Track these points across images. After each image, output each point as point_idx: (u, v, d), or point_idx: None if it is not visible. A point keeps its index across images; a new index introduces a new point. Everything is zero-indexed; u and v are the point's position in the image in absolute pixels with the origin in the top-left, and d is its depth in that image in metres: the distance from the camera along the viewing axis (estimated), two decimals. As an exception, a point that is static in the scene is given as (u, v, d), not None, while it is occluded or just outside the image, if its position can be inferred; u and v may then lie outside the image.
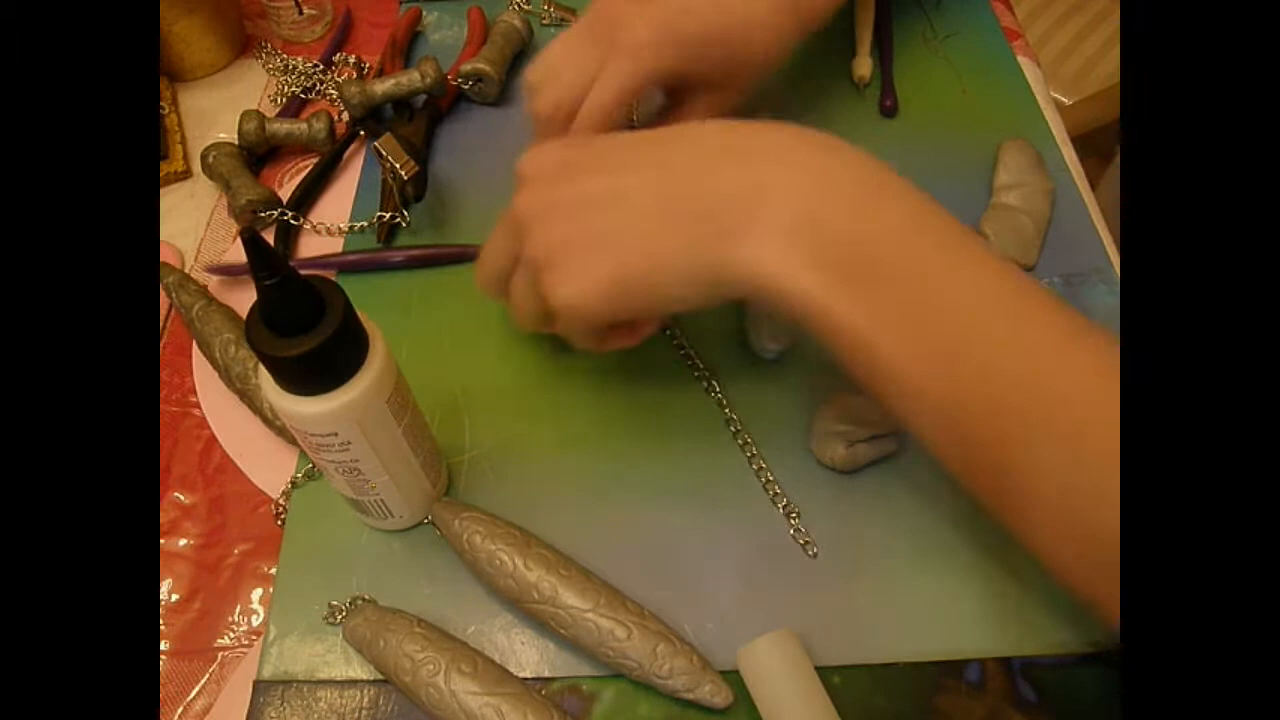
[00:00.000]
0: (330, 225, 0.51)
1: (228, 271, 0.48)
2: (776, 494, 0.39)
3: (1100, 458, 0.25)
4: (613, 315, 0.35)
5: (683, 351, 0.44)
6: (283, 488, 0.41)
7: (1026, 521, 0.29)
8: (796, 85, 0.56)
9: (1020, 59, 0.57)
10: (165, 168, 0.55)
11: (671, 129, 0.35)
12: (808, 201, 0.30)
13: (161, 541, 0.41)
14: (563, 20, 0.61)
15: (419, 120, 0.54)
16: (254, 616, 0.38)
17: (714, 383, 0.43)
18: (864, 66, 0.55)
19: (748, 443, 0.41)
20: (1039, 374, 0.28)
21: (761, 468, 0.40)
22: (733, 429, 0.41)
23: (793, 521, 0.39)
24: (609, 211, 0.33)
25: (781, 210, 0.30)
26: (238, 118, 0.53)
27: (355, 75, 0.60)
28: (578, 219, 0.33)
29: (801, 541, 0.38)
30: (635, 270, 0.32)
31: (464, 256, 0.48)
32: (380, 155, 0.47)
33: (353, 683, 0.36)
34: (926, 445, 0.31)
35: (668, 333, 0.44)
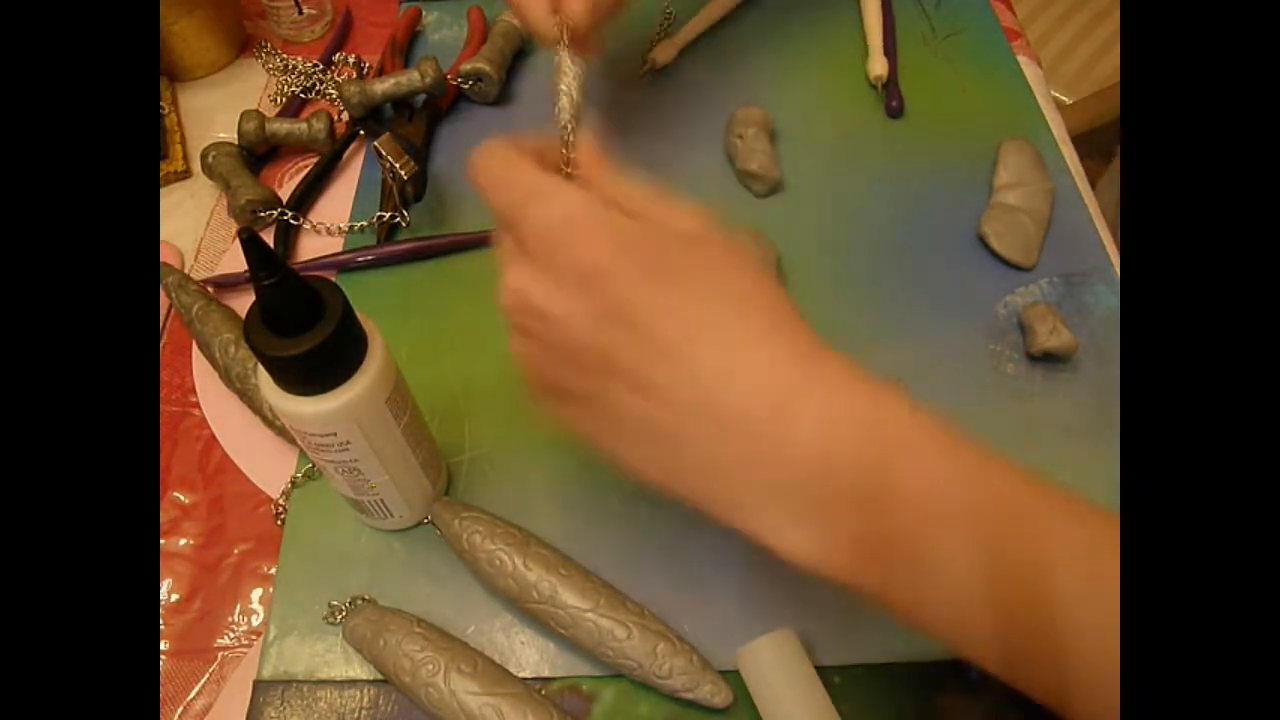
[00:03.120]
0: (330, 225, 0.51)
1: (224, 282, 0.48)
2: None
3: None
4: None
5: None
6: (283, 488, 0.41)
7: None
8: (805, 88, 0.56)
9: (1020, 59, 0.57)
10: (165, 168, 0.55)
11: (686, 315, 0.26)
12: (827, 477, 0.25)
13: (161, 541, 0.41)
14: (563, 20, 0.61)
15: (419, 120, 0.54)
16: (254, 616, 0.38)
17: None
18: (880, 65, 0.55)
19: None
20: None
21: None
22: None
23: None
24: (631, 391, 0.27)
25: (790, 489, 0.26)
26: (238, 118, 0.53)
27: (355, 75, 0.60)
28: (580, 370, 0.28)
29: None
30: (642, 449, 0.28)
31: (463, 245, 0.49)
32: (380, 155, 0.47)
33: (353, 683, 0.36)
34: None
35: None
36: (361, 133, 0.55)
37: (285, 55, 0.61)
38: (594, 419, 0.29)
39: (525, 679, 0.35)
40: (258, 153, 0.54)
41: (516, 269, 0.28)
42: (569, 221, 0.27)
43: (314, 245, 0.51)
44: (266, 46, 0.62)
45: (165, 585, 0.39)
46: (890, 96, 0.54)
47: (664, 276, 0.26)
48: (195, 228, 0.53)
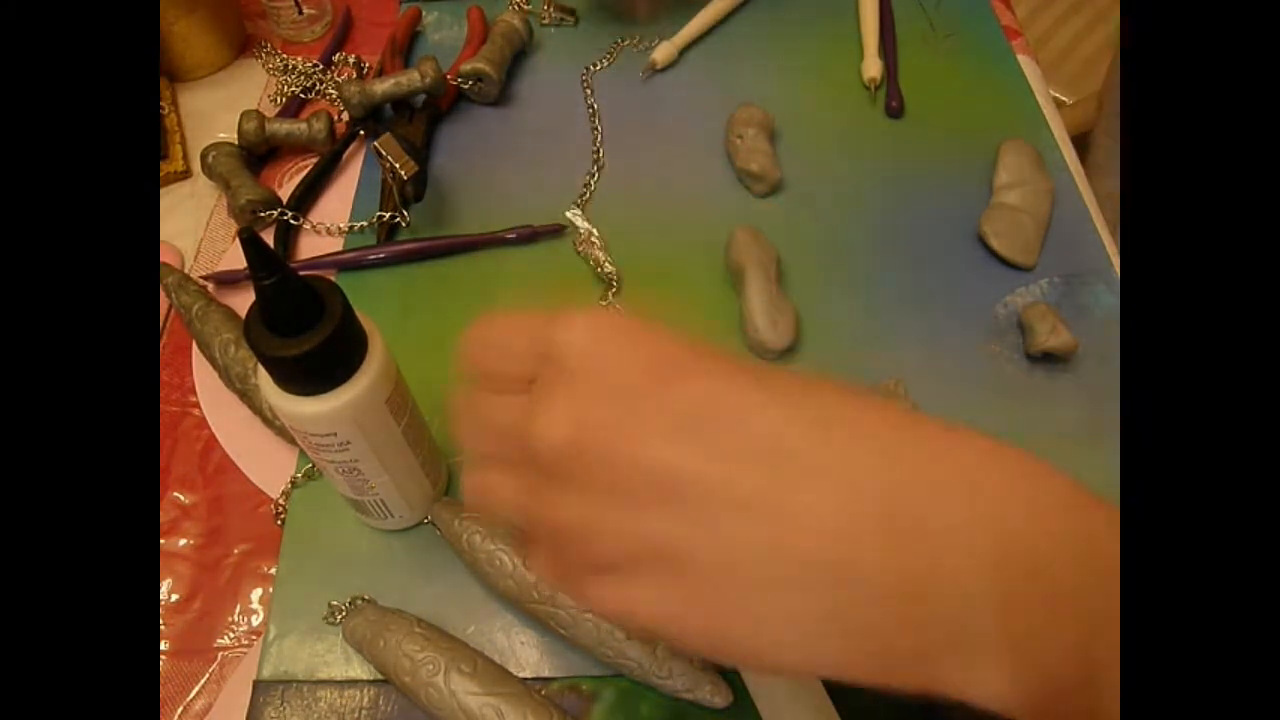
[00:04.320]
0: (330, 225, 0.51)
1: (224, 279, 0.48)
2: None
3: None
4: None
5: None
6: (283, 488, 0.41)
7: None
8: (805, 88, 0.56)
9: (1020, 59, 0.57)
10: (165, 168, 0.55)
11: (792, 388, 0.22)
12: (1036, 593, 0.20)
13: (161, 541, 0.41)
14: (562, 20, 0.61)
15: (419, 120, 0.54)
16: (254, 616, 0.38)
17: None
18: (874, 68, 0.55)
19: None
20: None
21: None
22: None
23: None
24: (695, 526, 0.21)
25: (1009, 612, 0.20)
26: (238, 118, 0.53)
27: (355, 75, 0.60)
28: (642, 509, 0.21)
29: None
30: (700, 633, 0.22)
31: (463, 245, 0.49)
32: (380, 155, 0.47)
33: (353, 683, 0.36)
34: None
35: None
36: (361, 133, 0.55)
37: (285, 55, 0.61)
38: (646, 522, 0.21)
39: (525, 679, 0.35)
40: (258, 153, 0.54)
41: (551, 408, 0.22)
42: (608, 326, 0.23)
43: (314, 245, 0.51)
44: (266, 46, 0.62)
45: (165, 585, 0.39)
46: (890, 96, 0.54)
47: (747, 374, 0.22)
48: (195, 228, 0.53)
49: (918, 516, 0.20)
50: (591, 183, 0.52)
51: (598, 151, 0.54)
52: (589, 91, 0.57)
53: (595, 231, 0.48)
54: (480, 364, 0.25)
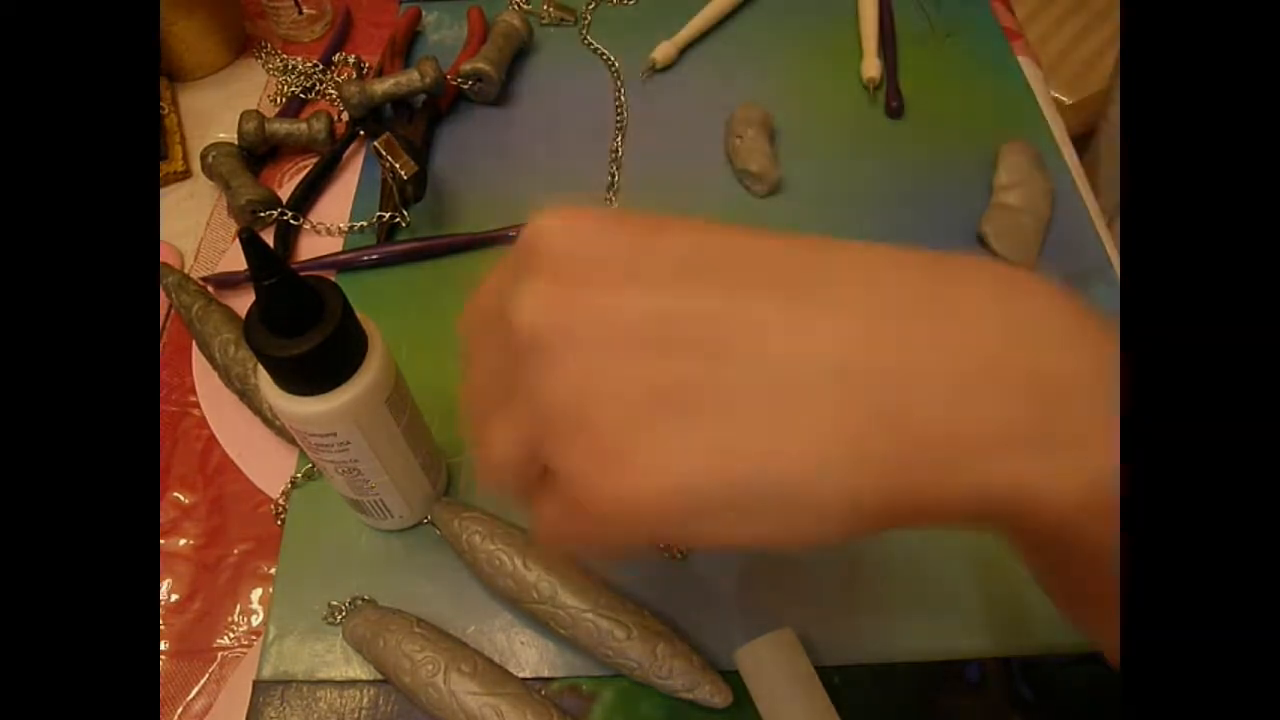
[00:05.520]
0: (330, 225, 0.51)
1: (224, 280, 0.48)
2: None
3: None
4: (667, 538, 0.24)
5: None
6: (282, 488, 0.41)
7: None
8: (805, 88, 0.56)
9: (1020, 59, 0.57)
10: (165, 168, 0.55)
11: (808, 240, 0.20)
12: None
13: (161, 541, 0.41)
14: (562, 20, 0.61)
15: (419, 120, 0.54)
16: (254, 616, 0.38)
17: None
18: (873, 68, 0.55)
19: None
20: None
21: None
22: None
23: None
24: (709, 359, 0.19)
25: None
26: (238, 118, 0.53)
27: (355, 75, 0.60)
28: (644, 355, 0.19)
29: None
30: (740, 477, 0.18)
31: (463, 245, 0.48)
32: (380, 155, 0.47)
33: (352, 683, 0.36)
34: None
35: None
36: (361, 133, 0.55)
37: (285, 55, 0.61)
38: (648, 359, 0.19)
39: (525, 679, 0.35)
40: (258, 153, 0.54)
41: (532, 287, 0.21)
42: (580, 211, 0.21)
43: (314, 245, 0.51)
44: (266, 47, 0.62)
45: (165, 585, 0.39)
46: (890, 97, 0.54)
47: (796, 244, 0.20)
48: (195, 228, 0.53)
49: (952, 301, 0.19)
50: (616, 178, 0.52)
51: (617, 152, 0.54)
52: (620, 88, 0.57)
53: None
54: (468, 326, 0.24)
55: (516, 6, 0.61)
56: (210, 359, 0.44)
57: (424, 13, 0.62)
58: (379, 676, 0.36)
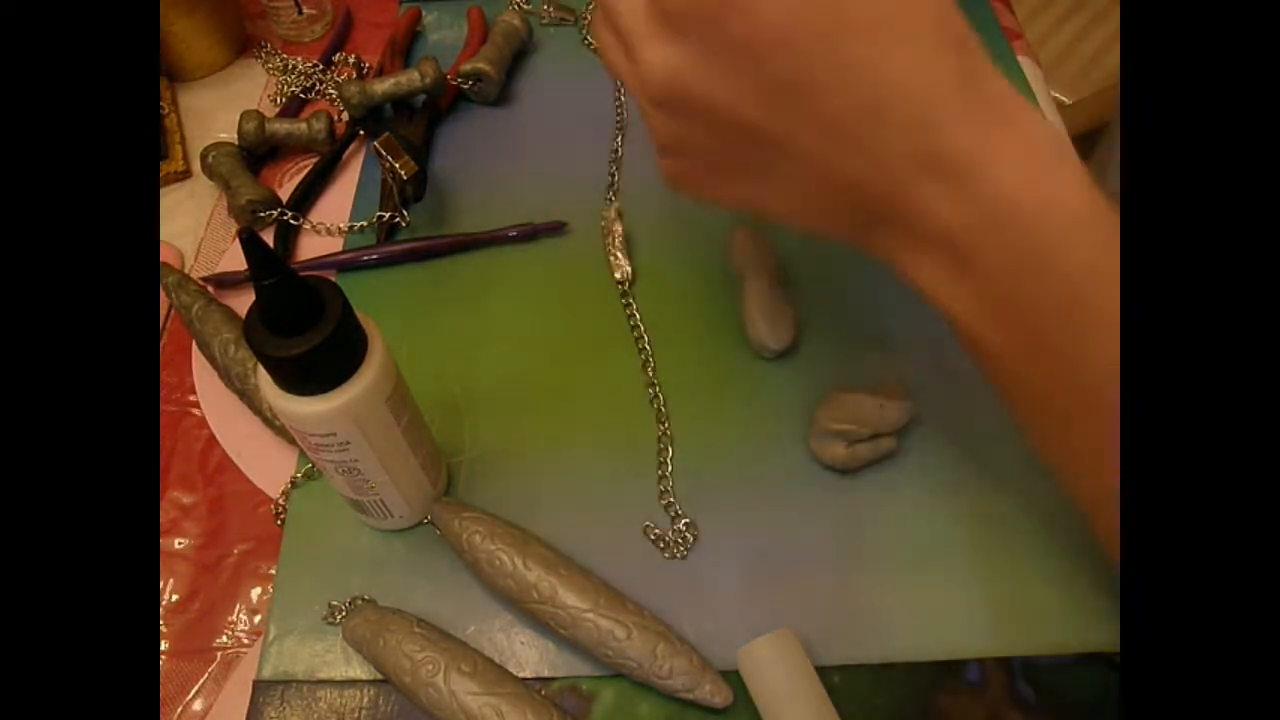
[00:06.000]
0: (330, 225, 0.51)
1: (224, 280, 0.48)
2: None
3: None
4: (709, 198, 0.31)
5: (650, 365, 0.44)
6: (282, 487, 0.41)
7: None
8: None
9: (1020, 59, 0.57)
10: (165, 168, 0.55)
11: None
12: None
13: (161, 541, 0.41)
14: (562, 20, 0.61)
15: (419, 120, 0.54)
16: (254, 616, 0.38)
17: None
18: None
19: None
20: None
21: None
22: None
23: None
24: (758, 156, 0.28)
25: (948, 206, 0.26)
26: (238, 118, 0.53)
27: (355, 75, 0.60)
28: (717, 145, 0.28)
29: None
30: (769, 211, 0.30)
31: (463, 245, 0.49)
32: (380, 155, 0.47)
33: (352, 683, 0.36)
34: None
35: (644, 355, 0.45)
36: (361, 133, 0.55)
37: (285, 55, 0.61)
38: (768, 186, 0.28)
39: (525, 679, 0.35)
40: (258, 153, 0.54)
41: (662, 47, 0.26)
42: None
43: (314, 245, 0.51)
44: (266, 47, 0.62)
45: (165, 585, 0.39)
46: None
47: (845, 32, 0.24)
48: (195, 228, 0.53)
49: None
50: (616, 178, 0.52)
51: (617, 152, 0.54)
52: (620, 88, 0.57)
53: (620, 230, 0.48)
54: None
55: (516, 6, 0.61)
56: (210, 359, 0.44)
57: (424, 13, 0.62)
58: (379, 676, 0.36)
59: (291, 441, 0.42)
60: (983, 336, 0.28)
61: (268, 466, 0.42)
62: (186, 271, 0.50)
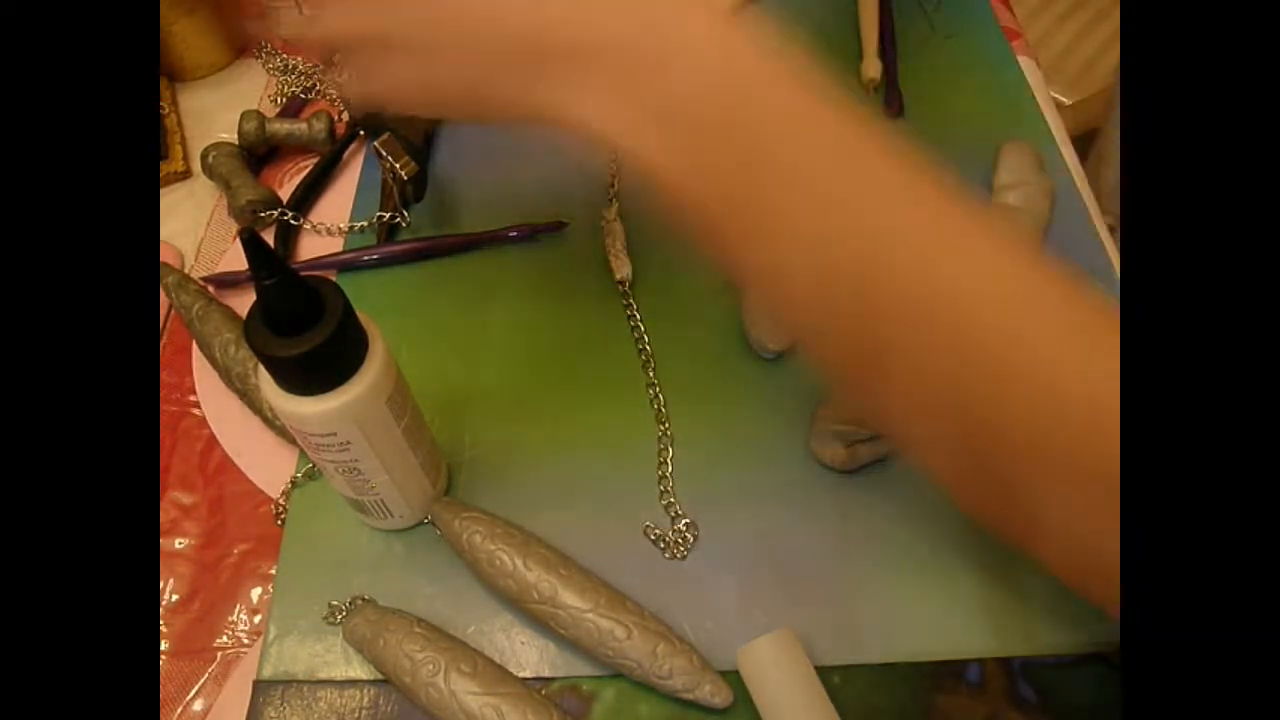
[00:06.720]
0: (330, 225, 0.51)
1: (224, 280, 0.49)
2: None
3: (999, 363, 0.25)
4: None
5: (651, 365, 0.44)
6: (283, 487, 0.41)
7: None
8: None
9: (1020, 59, 0.57)
10: (165, 168, 0.55)
11: None
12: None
13: (161, 541, 0.41)
14: (563, 20, 0.61)
15: (419, 120, 0.54)
16: (254, 616, 0.38)
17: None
18: (873, 68, 0.55)
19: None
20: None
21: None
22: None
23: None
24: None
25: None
26: (238, 118, 0.53)
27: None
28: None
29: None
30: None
31: (463, 245, 0.49)
32: (380, 155, 0.47)
33: (353, 683, 0.36)
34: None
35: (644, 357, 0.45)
36: (361, 133, 0.55)
37: (285, 55, 0.61)
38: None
39: (525, 679, 0.35)
40: (258, 153, 0.54)
41: None
42: None
43: (314, 245, 0.51)
44: (267, 47, 0.62)
45: (165, 585, 0.39)
46: (890, 97, 0.54)
47: None
48: (195, 228, 0.53)
49: None
50: (616, 178, 0.52)
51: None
52: None
53: (620, 230, 0.48)
54: None
55: (516, 6, 0.61)
56: (210, 359, 0.44)
57: (424, 13, 0.62)
58: (379, 676, 0.36)
59: (291, 441, 0.42)
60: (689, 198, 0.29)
61: (268, 466, 0.42)
62: (186, 271, 0.50)
